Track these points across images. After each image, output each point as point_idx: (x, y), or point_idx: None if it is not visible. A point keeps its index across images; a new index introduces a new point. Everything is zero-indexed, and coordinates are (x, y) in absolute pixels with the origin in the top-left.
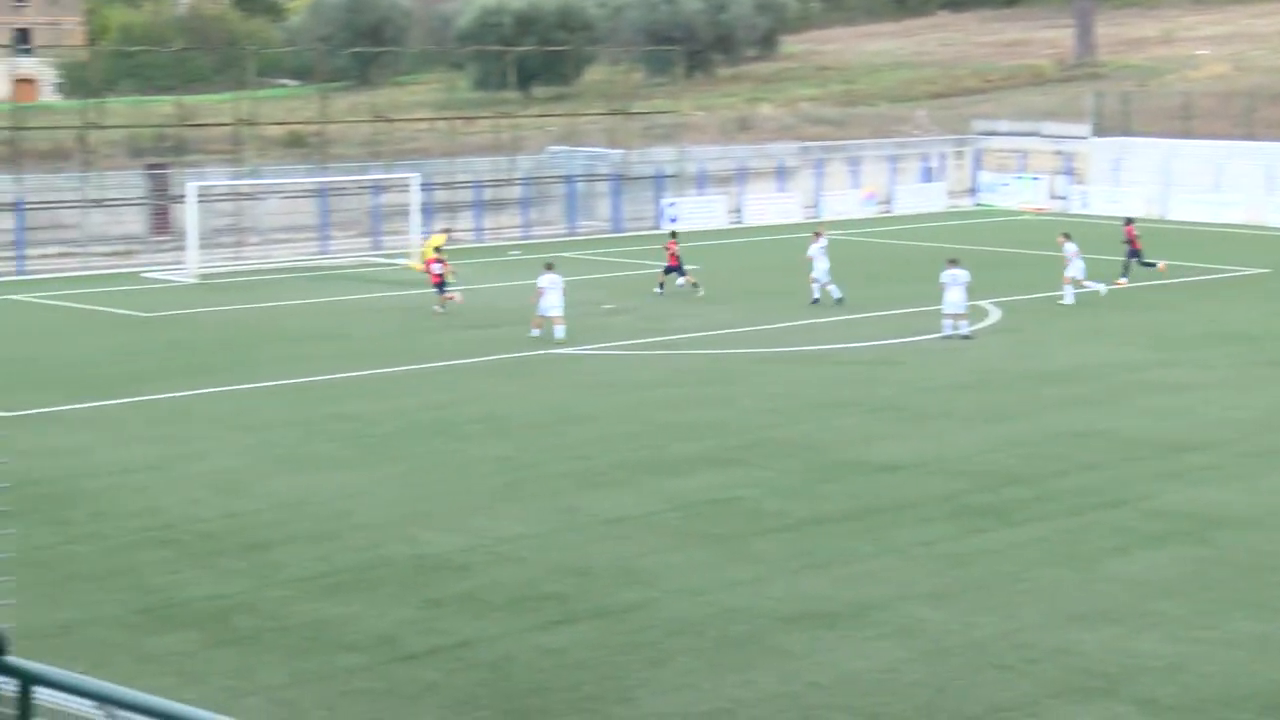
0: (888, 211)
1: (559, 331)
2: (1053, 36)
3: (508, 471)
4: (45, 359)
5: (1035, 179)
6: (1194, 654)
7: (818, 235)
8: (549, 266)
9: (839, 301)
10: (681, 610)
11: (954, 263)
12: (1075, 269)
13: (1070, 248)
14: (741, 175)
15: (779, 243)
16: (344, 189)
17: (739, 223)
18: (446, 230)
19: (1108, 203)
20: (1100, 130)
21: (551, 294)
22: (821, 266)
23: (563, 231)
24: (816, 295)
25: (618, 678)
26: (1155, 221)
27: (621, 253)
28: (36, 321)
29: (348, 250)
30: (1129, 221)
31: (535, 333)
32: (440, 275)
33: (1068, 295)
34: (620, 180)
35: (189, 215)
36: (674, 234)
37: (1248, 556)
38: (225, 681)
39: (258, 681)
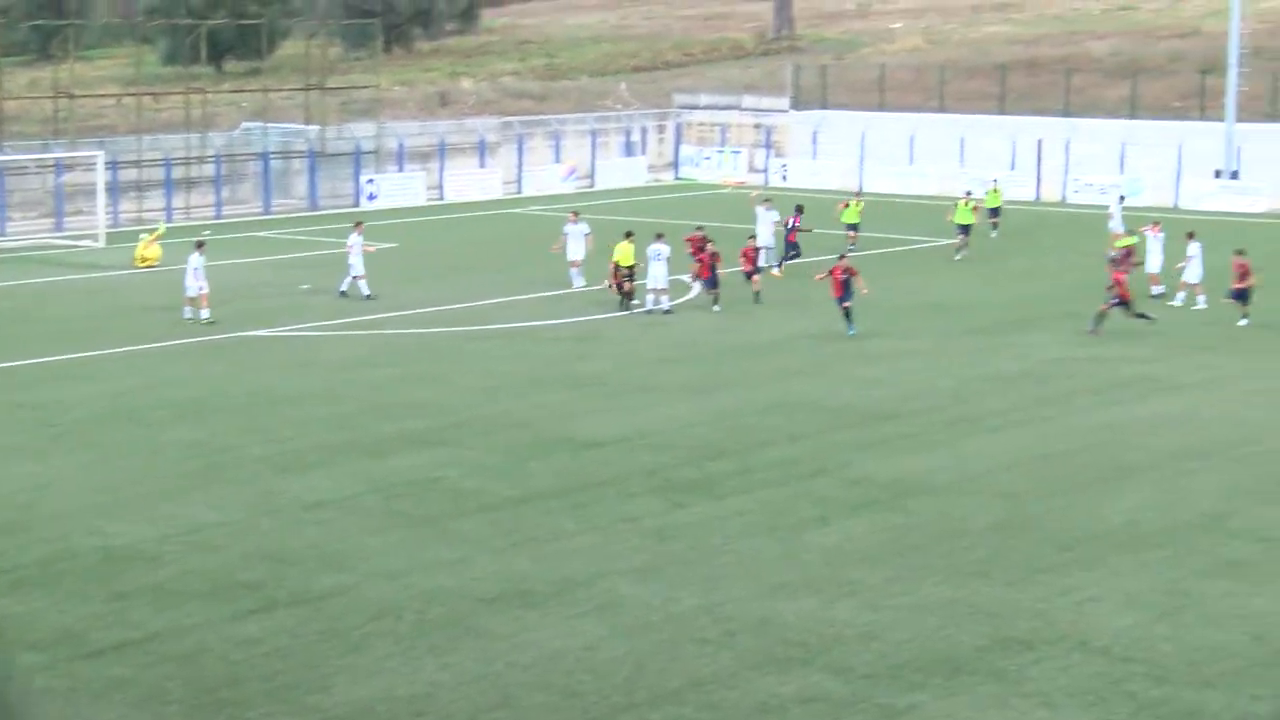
0: (590, 186)
1: (204, 313)
2: (752, 10)
3: (202, 457)
4: None
5: (736, 152)
6: (888, 621)
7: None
8: (199, 245)
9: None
10: (380, 594)
11: (659, 237)
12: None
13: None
14: (442, 151)
15: (481, 219)
16: (24, 168)
17: (440, 199)
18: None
19: (807, 175)
20: (799, 103)
21: (194, 274)
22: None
23: (258, 210)
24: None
25: (315, 665)
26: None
27: (319, 231)
28: None
29: (28, 231)
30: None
31: (190, 314)
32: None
33: None
34: (317, 157)
35: None
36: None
37: (940, 523)
38: None
39: None
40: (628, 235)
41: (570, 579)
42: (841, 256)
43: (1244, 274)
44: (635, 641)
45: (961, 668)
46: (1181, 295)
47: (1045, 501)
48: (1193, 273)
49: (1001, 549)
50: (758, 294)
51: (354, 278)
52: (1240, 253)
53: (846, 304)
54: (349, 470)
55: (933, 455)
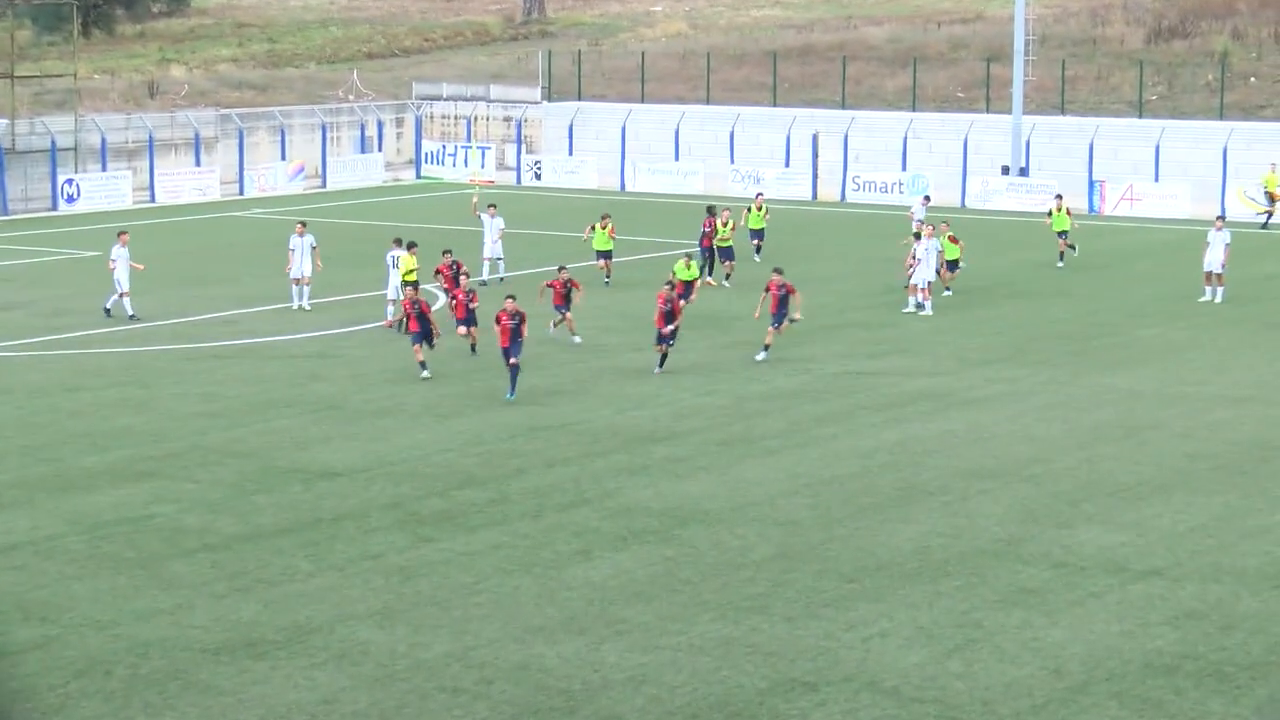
0: (321, 187)
1: None
2: None
3: None
4: None
5: (484, 148)
6: (660, 663)
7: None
8: None
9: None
10: (87, 647)
11: (398, 243)
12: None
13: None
14: (151, 147)
15: (198, 224)
16: None
17: (150, 201)
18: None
19: (563, 174)
20: (552, 94)
21: None
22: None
23: None
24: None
25: None
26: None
27: (10, 238)
28: None
29: None
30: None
31: None
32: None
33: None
34: (6, 155)
35: None
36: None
37: (715, 554)
38: None
39: None
40: (410, 247)
41: (304, 625)
42: (508, 297)
43: (787, 294)
44: (379, 693)
45: (740, 712)
46: (912, 300)
47: (828, 529)
48: (922, 274)
49: (782, 581)
50: (474, 347)
51: (120, 294)
52: (779, 271)
53: (512, 359)
54: (48, 508)
55: (706, 480)
